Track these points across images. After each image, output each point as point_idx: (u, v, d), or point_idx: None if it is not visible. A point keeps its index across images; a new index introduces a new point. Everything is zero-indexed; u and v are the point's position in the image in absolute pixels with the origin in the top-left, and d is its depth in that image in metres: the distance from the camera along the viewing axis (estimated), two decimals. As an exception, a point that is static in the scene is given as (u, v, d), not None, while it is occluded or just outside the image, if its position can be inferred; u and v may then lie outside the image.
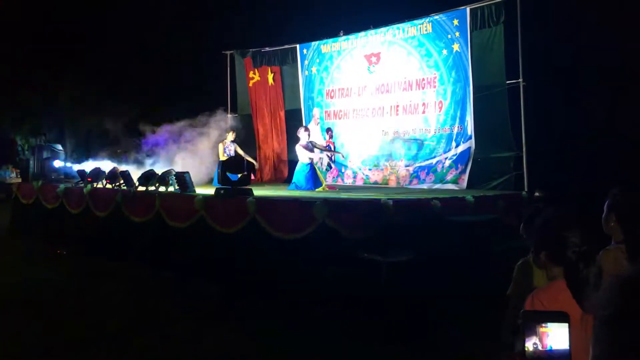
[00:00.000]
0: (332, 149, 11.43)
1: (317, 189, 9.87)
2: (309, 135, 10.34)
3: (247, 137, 12.61)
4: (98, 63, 16.50)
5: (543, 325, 1.63)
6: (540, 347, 1.62)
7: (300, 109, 12.72)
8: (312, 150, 10.21)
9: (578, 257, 1.95)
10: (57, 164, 12.66)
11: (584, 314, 1.78)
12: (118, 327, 5.71)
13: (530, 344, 1.62)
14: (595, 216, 2.49)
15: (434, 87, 10.46)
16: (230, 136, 11.02)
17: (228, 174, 8.34)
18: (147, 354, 5.06)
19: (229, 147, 10.87)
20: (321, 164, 11.29)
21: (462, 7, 9.85)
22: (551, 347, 1.63)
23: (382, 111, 11.33)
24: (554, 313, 1.76)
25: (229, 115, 13.64)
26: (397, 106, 11.07)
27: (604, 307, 0.91)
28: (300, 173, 10.17)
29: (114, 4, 15.84)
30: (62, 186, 10.91)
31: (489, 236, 6.48)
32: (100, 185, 10.34)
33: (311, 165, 10.13)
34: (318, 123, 12.29)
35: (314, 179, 10.02)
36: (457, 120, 10.04)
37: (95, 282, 7.85)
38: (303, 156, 10.20)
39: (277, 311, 6.10)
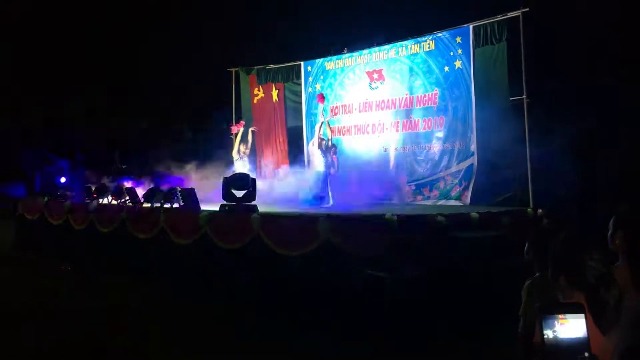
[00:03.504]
0: (335, 165, 11.30)
1: (324, 205, 9.80)
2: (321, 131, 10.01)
3: (250, 153, 12.60)
4: (103, 79, 16.65)
5: (562, 316, 1.72)
6: (559, 335, 1.70)
7: (302, 126, 12.76)
8: (325, 153, 9.82)
9: (598, 280, 1.94)
10: (62, 180, 12.73)
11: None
12: (123, 342, 5.70)
13: (550, 332, 1.71)
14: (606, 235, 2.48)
15: (436, 103, 10.51)
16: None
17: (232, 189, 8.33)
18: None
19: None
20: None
21: (465, 25, 9.95)
22: (569, 336, 1.71)
23: (383, 127, 11.37)
24: (570, 305, 1.81)
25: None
26: (398, 122, 11.11)
27: (623, 340, 0.92)
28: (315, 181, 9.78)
29: (120, 20, 16.03)
30: (67, 203, 10.97)
31: (494, 252, 6.46)
32: (105, 201, 10.38)
33: (327, 174, 9.74)
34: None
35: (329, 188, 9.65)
36: (459, 136, 10.07)
37: (99, 297, 7.84)
38: (319, 161, 9.92)
39: (280, 329, 6.09)
